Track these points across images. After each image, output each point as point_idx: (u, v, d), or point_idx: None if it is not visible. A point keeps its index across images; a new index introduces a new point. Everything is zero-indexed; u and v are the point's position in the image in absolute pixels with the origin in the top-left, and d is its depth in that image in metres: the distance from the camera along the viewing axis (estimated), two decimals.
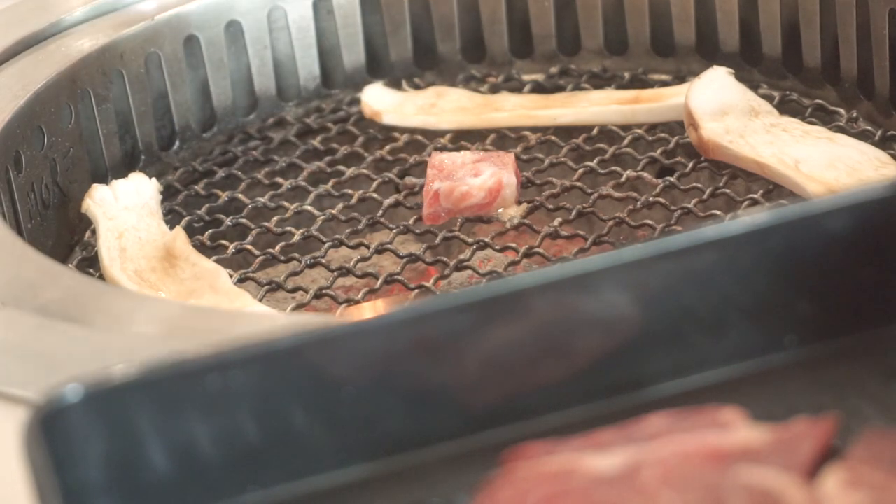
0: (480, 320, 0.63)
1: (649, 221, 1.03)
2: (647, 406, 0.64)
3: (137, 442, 0.60)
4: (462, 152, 1.10)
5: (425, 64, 1.30)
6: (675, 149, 1.13)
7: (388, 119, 1.21)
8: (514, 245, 1.02)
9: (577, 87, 1.25)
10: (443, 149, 1.15)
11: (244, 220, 1.10)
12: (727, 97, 1.11)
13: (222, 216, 1.11)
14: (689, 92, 1.11)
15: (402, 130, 1.20)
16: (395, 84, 1.28)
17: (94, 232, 1.07)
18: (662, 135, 1.15)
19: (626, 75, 1.25)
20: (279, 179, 1.16)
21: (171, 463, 0.61)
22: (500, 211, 1.06)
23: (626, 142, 1.14)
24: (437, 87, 1.26)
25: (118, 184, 1.09)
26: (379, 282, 0.99)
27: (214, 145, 1.23)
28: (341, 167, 1.17)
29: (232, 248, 1.05)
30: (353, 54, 1.28)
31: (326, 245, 1.05)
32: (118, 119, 1.16)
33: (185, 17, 1.20)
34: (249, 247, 1.06)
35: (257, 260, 1.04)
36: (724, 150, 1.06)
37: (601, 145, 1.15)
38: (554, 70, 1.28)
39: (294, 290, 1.00)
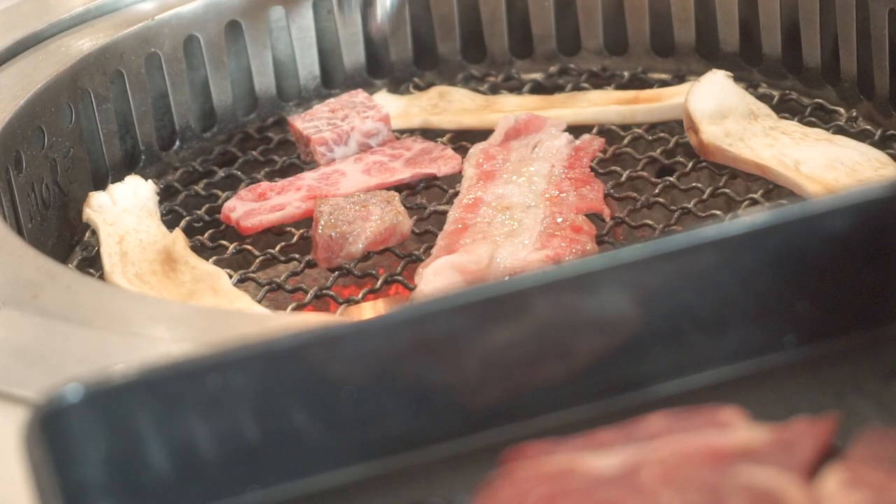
0: (480, 320, 0.63)
1: (649, 221, 1.03)
2: (647, 406, 0.64)
3: (137, 442, 0.60)
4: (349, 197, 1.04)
5: (425, 64, 1.30)
6: (675, 149, 1.13)
7: (392, 124, 1.20)
8: None
9: (577, 87, 1.25)
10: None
11: None
12: (726, 100, 1.10)
13: None
14: (688, 95, 1.11)
15: (403, 130, 1.20)
16: (395, 84, 1.28)
17: (94, 232, 1.07)
18: (662, 135, 1.15)
19: (626, 75, 1.25)
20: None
21: (171, 463, 0.61)
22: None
23: (625, 142, 1.14)
24: (440, 87, 1.26)
25: (115, 188, 1.09)
26: (379, 282, 0.99)
27: (214, 145, 1.23)
28: None
29: (232, 248, 1.05)
30: (353, 54, 1.28)
31: None
32: (118, 119, 1.16)
33: (185, 17, 1.20)
34: (249, 247, 1.06)
35: (257, 260, 1.04)
36: (724, 152, 1.06)
37: None
38: (554, 70, 1.28)
39: (294, 291, 1.00)
